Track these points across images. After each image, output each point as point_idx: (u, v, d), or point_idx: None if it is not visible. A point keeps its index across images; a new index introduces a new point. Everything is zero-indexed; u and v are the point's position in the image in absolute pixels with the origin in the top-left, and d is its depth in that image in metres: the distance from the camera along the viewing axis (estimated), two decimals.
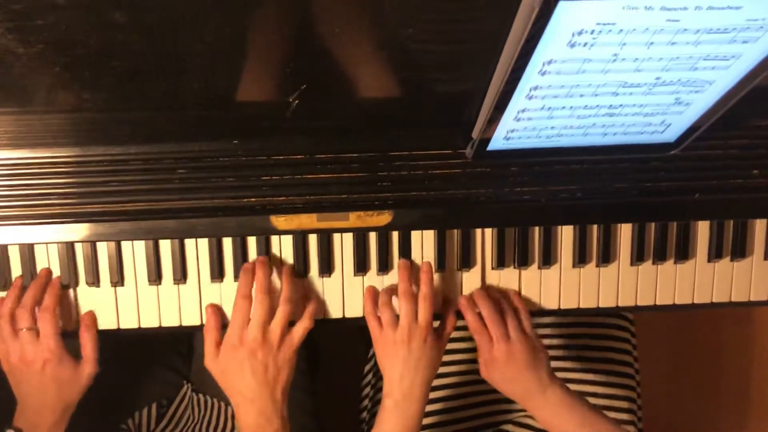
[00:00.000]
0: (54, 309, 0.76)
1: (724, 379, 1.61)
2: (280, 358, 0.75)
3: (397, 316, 0.77)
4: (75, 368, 0.76)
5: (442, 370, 0.96)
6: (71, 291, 0.80)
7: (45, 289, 0.77)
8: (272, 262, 0.81)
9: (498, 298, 0.81)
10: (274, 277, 0.80)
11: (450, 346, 0.96)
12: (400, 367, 0.76)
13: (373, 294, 0.80)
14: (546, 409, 0.77)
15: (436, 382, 0.95)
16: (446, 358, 0.96)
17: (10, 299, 0.77)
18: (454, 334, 0.94)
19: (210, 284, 0.81)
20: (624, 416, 0.95)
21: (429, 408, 0.95)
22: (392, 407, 0.76)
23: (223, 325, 0.79)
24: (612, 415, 0.94)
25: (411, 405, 0.76)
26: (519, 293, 0.84)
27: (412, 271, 0.80)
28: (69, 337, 0.78)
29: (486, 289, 0.83)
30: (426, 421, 0.95)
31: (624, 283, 0.85)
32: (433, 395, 0.95)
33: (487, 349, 0.78)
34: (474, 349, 0.91)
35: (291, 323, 0.77)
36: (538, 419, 0.79)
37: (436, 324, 0.80)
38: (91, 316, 0.79)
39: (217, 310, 0.80)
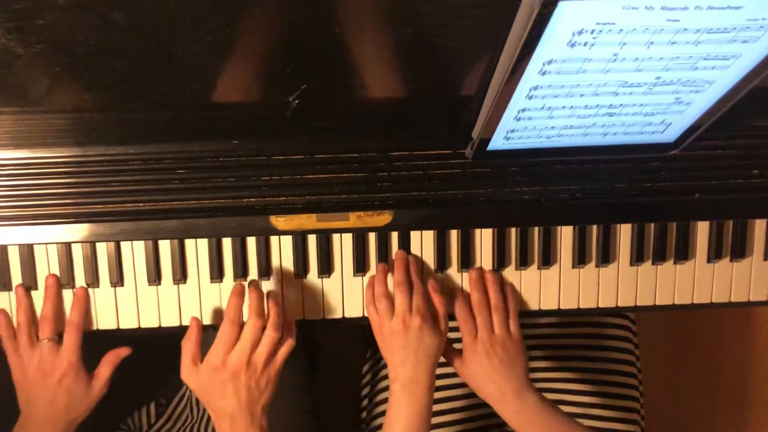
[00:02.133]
0: (81, 323, 0.77)
1: (723, 379, 1.61)
2: (263, 381, 0.74)
3: None
4: (88, 384, 0.76)
5: (448, 393, 0.96)
6: (71, 291, 0.80)
7: (59, 297, 0.78)
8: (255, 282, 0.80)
9: (494, 290, 0.81)
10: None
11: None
12: (401, 354, 0.76)
13: (373, 285, 0.80)
14: (520, 414, 0.76)
15: (441, 383, 0.95)
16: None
17: (23, 310, 0.77)
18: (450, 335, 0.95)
19: (210, 284, 0.81)
20: (627, 415, 0.95)
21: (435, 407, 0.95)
22: (400, 391, 0.76)
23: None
24: (614, 414, 0.94)
25: (417, 387, 0.76)
26: (510, 292, 0.83)
27: (408, 263, 0.80)
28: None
29: (484, 276, 0.83)
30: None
31: (624, 283, 0.85)
32: (437, 395, 0.95)
33: (470, 340, 0.78)
34: None
35: None
36: (509, 422, 0.78)
37: None
38: (125, 353, 0.79)
39: (199, 322, 0.79)
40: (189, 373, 0.75)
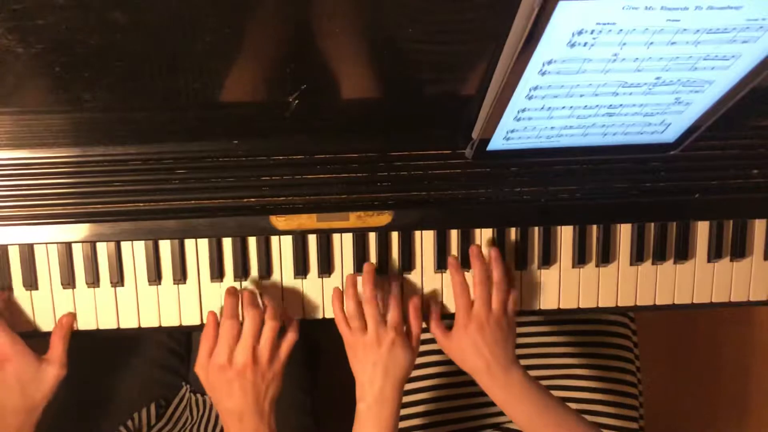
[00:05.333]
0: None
1: (723, 379, 1.61)
2: (268, 375, 0.75)
3: None
4: (38, 368, 0.74)
5: (421, 372, 0.96)
6: (71, 291, 0.80)
7: None
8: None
9: (496, 265, 0.80)
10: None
11: (429, 347, 0.97)
12: (370, 371, 0.76)
13: (340, 297, 0.80)
14: (506, 388, 0.77)
15: (417, 385, 0.96)
16: (425, 359, 0.97)
17: None
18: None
19: (210, 284, 0.81)
20: (625, 411, 0.95)
21: (410, 410, 0.95)
22: (366, 411, 0.76)
23: None
24: (613, 410, 0.94)
25: (383, 408, 0.76)
26: (511, 271, 0.83)
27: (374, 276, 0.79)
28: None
29: (481, 254, 0.82)
30: (407, 423, 0.95)
31: (623, 283, 0.85)
32: (414, 397, 0.95)
33: (464, 313, 0.78)
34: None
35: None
36: (494, 397, 0.78)
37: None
38: (68, 319, 0.78)
39: (217, 318, 0.79)
40: (203, 366, 0.76)
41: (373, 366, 0.76)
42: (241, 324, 0.75)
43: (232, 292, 0.78)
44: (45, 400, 0.75)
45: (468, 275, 0.81)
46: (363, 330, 0.77)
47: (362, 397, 0.77)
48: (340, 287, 0.82)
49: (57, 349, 0.76)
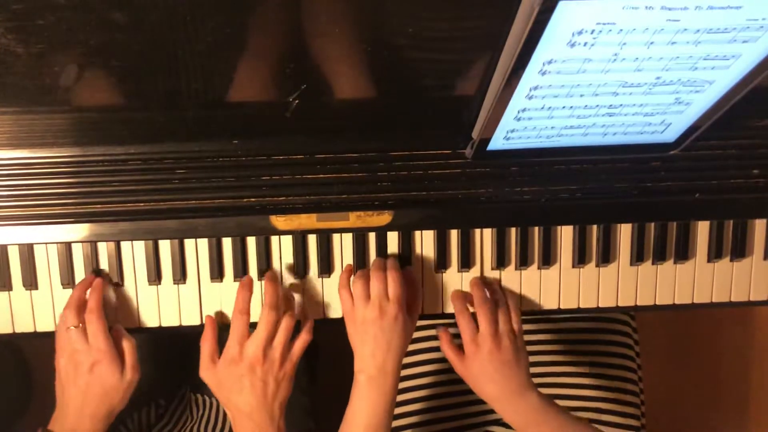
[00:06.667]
0: (98, 309, 0.74)
1: (723, 380, 1.61)
2: (280, 374, 0.74)
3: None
4: (121, 373, 0.74)
5: (417, 370, 0.96)
6: (71, 291, 0.80)
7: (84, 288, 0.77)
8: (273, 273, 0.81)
9: (493, 290, 0.81)
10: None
11: (424, 345, 0.97)
12: (372, 344, 0.75)
13: (350, 270, 0.80)
14: (523, 413, 0.75)
15: (413, 383, 0.96)
16: (420, 357, 0.96)
17: (70, 300, 0.76)
18: (432, 332, 0.94)
19: (210, 284, 0.81)
20: (626, 409, 0.95)
21: (407, 408, 0.95)
22: (366, 382, 0.75)
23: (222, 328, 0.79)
24: (614, 407, 0.94)
25: (386, 379, 0.75)
26: (509, 292, 0.83)
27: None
28: None
29: (483, 280, 0.83)
30: (405, 421, 0.95)
31: (624, 283, 0.85)
32: (410, 395, 0.95)
33: (471, 339, 0.77)
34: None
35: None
36: (511, 422, 0.77)
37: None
38: (119, 330, 0.77)
39: (215, 320, 0.79)
40: (207, 368, 0.75)
41: (375, 339, 0.74)
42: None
43: (246, 286, 0.77)
44: (121, 406, 0.75)
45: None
46: (364, 298, 0.75)
47: (362, 369, 0.75)
48: None
49: (131, 355, 0.76)
